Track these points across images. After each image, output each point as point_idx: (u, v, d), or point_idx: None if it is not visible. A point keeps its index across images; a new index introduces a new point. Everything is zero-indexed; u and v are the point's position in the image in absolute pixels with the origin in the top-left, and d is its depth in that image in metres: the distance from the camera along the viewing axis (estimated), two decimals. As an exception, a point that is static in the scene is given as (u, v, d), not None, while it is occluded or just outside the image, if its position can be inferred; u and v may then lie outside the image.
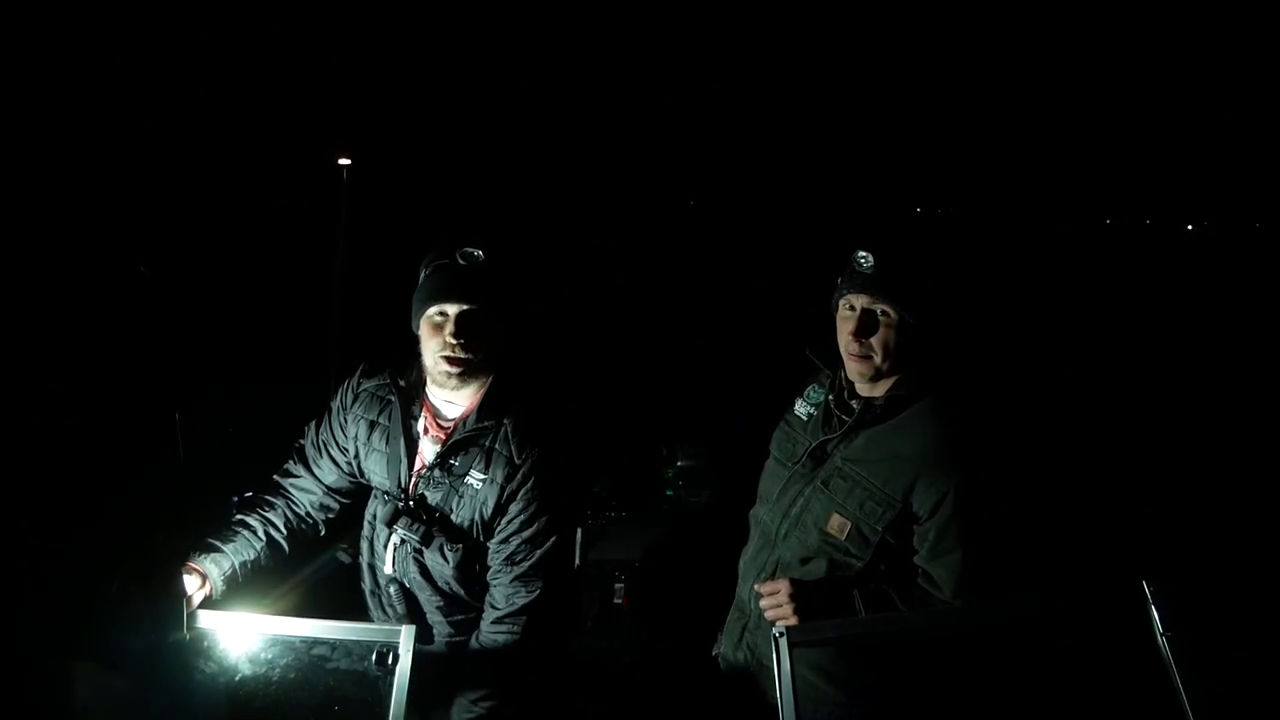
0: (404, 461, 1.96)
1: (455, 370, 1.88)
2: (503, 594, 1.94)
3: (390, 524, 1.94)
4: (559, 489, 1.98)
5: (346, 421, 2.05)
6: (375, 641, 1.57)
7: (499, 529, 1.94)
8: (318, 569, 2.47)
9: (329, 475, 2.08)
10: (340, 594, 2.39)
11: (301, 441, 2.12)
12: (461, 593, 1.98)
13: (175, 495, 1.85)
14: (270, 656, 1.67)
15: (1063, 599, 1.68)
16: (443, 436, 1.95)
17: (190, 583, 1.80)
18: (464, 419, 1.94)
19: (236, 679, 1.67)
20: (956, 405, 1.86)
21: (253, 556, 1.95)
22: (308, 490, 2.08)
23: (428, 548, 1.93)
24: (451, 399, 1.97)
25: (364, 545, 2.09)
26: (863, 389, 1.93)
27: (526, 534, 1.93)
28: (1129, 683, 1.63)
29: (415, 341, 1.96)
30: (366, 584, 2.09)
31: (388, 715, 1.46)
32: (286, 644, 1.67)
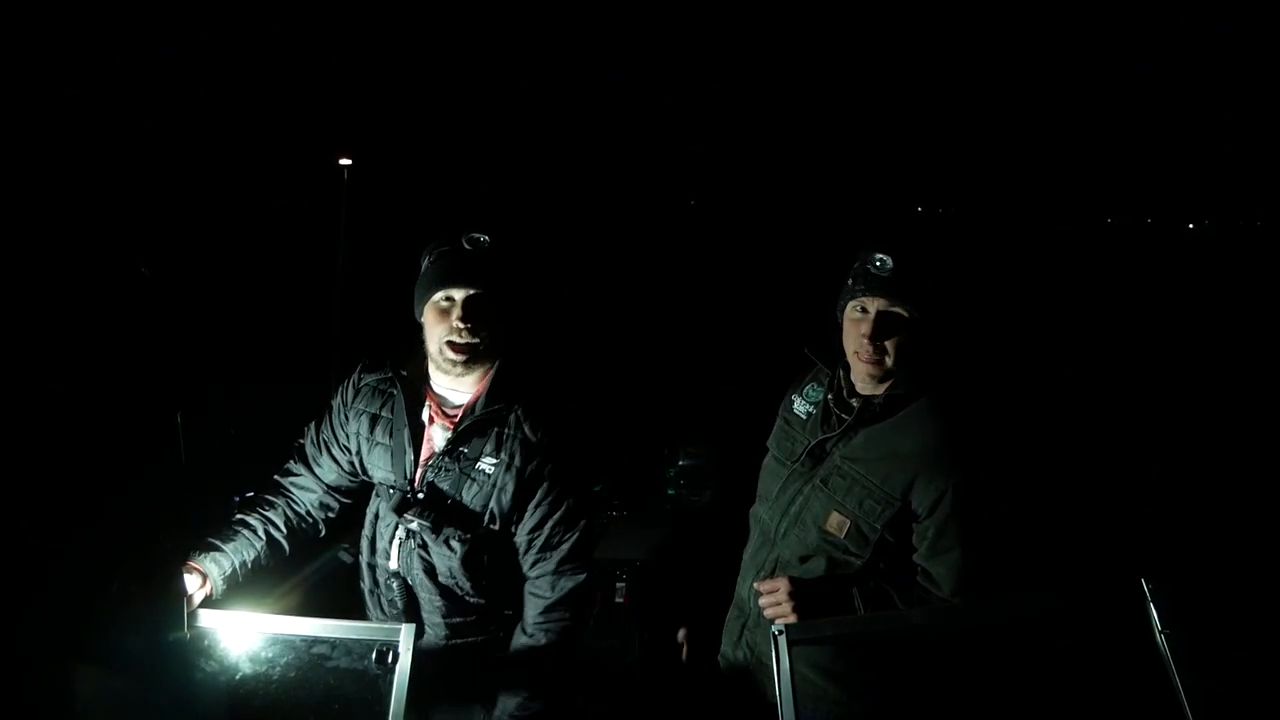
0: (408, 452, 1.94)
1: (462, 356, 1.87)
2: (548, 582, 1.93)
3: (400, 512, 1.91)
4: (580, 470, 1.99)
5: (348, 418, 2.04)
6: (375, 640, 1.57)
7: (528, 515, 1.92)
8: (318, 568, 2.48)
9: (329, 474, 2.07)
10: (340, 594, 2.39)
11: (302, 441, 2.12)
12: (467, 587, 1.95)
13: (175, 495, 1.85)
14: (270, 655, 1.67)
15: (1061, 597, 1.69)
16: (451, 424, 1.93)
17: (190, 582, 1.80)
18: (475, 403, 1.92)
19: (237, 678, 1.67)
20: (955, 404, 1.86)
21: (253, 556, 1.94)
22: (308, 489, 2.07)
23: (438, 536, 1.91)
24: (456, 386, 1.95)
25: (364, 544, 2.08)
26: (863, 388, 1.93)
27: (558, 515, 1.92)
28: (1128, 680, 1.64)
29: (416, 333, 1.96)
30: (366, 583, 2.08)
31: (387, 714, 1.46)
32: (286, 643, 1.67)
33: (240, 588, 1.92)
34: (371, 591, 2.07)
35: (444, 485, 1.92)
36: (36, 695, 1.36)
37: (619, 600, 3.00)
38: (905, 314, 1.81)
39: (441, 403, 1.97)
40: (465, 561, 1.93)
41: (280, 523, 2.01)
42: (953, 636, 1.78)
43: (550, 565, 1.94)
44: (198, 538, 1.92)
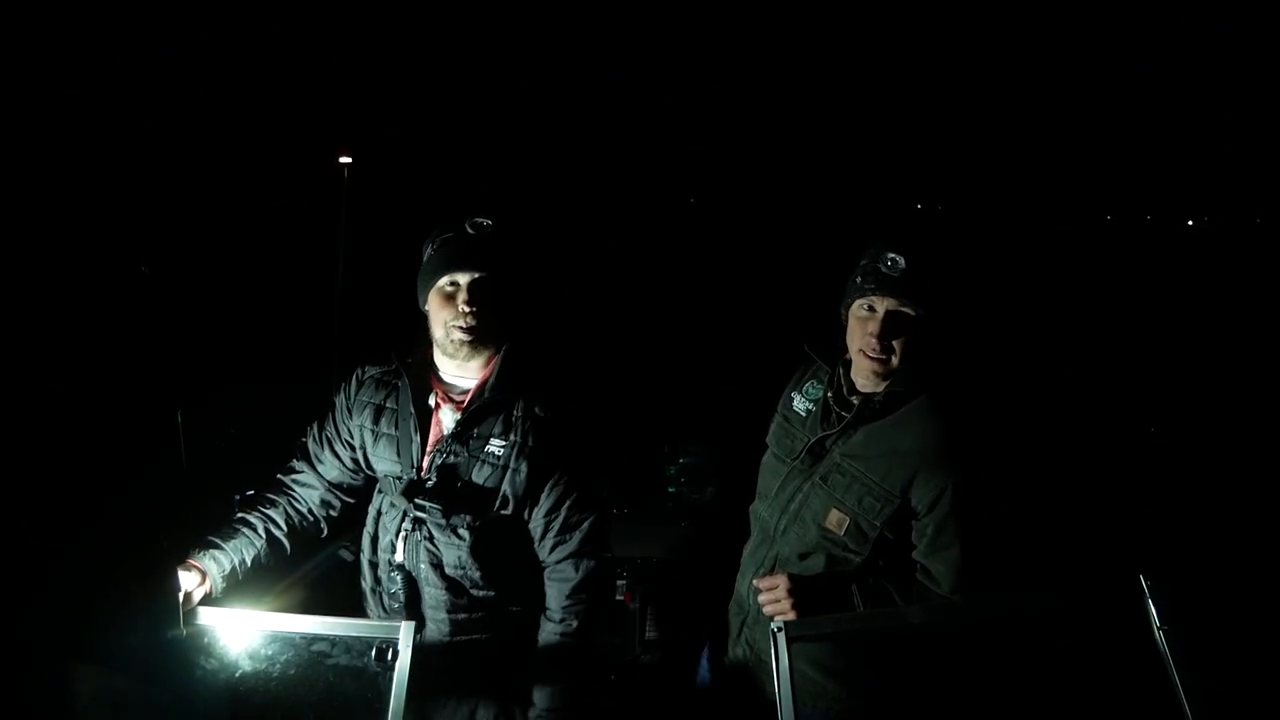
0: (415, 441, 1.93)
1: (468, 339, 1.88)
2: (571, 564, 1.93)
3: (410, 497, 1.90)
4: (593, 452, 2.00)
5: (351, 411, 2.03)
6: (375, 638, 1.57)
7: (544, 497, 1.92)
8: (318, 564, 2.47)
9: (332, 471, 2.07)
10: (340, 592, 2.39)
11: (304, 439, 2.11)
12: (475, 577, 1.93)
13: (175, 495, 1.85)
14: (270, 653, 1.68)
15: (1060, 593, 1.69)
16: (459, 407, 1.93)
17: (190, 580, 1.80)
18: (484, 385, 1.92)
19: (237, 675, 1.67)
20: (955, 402, 1.86)
21: (253, 554, 1.94)
22: (310, 487, 2.07)
23: (447, 522, 1.89)
24: (462, 372, 1.96)
25: (366, 541, 2.07)
26: (864, 385, 1.93)
27: (575, 496, 1.93)
28: (1126, 676, 1.64)
29: (420, 324, 1.96)
30: (367, 581, 2.07)
31: (387, 711, 1.47)
32: (286, 640, 1.68)
33: (240, 586, 1.92)
34: (373, 589, 2.06)
35: (454, 469, 1.91)
36: (36, 695, 1.36)
37: (619, 598, 3.00)
38: (913, 314, 1.81)
39: (448, 389, 1.96)
40: (474, 550, 1.92)
41: (281, 521, 2.00)
42: (952, 633, 1.79)
43: (572, 546, 1.93)
44: (198, 536, 1.92)
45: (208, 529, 1.95)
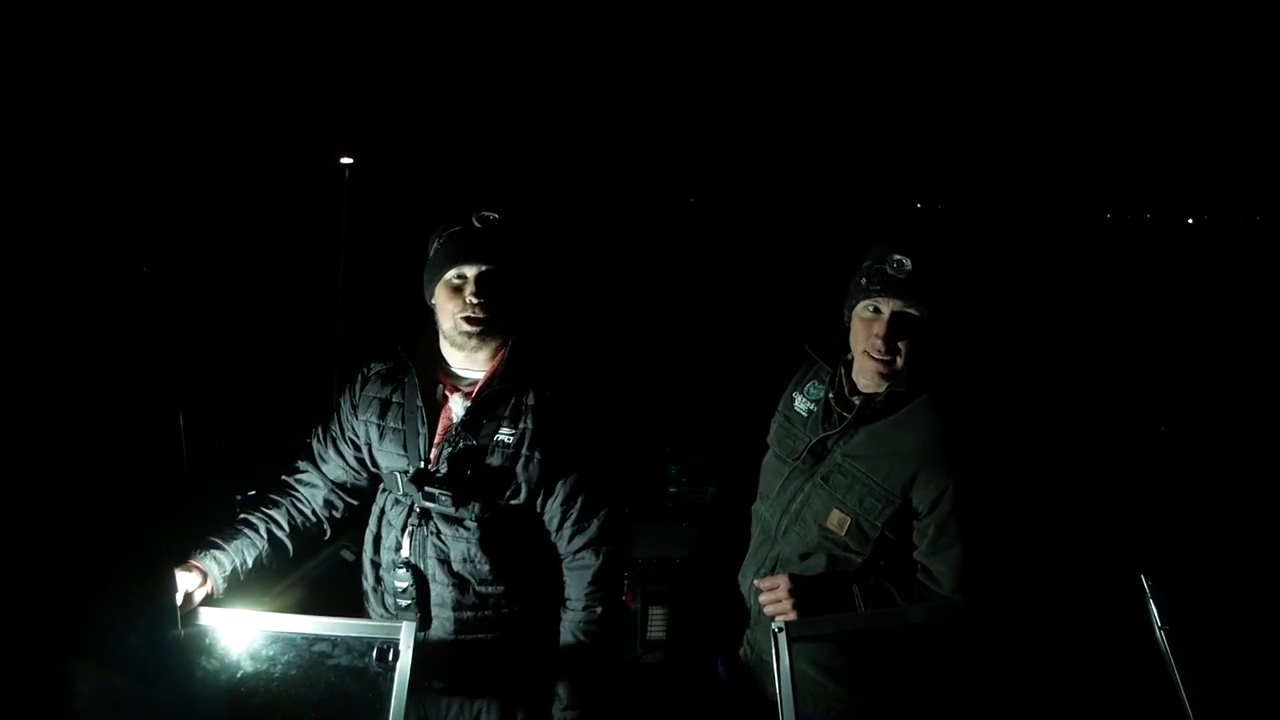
0: (422, 434, 1.93)
1: (475, 330, 1.88)
2: (591, 551, 1.94)
3: (419, 486, 1.90)
4: (603, 439, 2.01)
5: (357, 408, 2.03)
6: (376, 638, 1.57)
7: (559, 487, 1.93)
8: (319, 564, 2.47)
9: (336, 470, 2.06)
10: (341, 592, 2.39)
11: (310, 440, 2.11)
12: (484, 571, 1.92)
13: (176, 495, 1.85)
14: (271, 653, 1.68)
15: (1061, 593, 1.69)
16: (468, 396, 1.94)
17: (191, 580, 1.80)
18: (493, 375, 1.93)
19: (238, 676, 1.67)
20: (956, 402, 1.86)
21: (254, 555, 1.93)
22: (314, 487, 2.06)
23: (457, 511, 1.89)
24: (469, 364, 1.96)
25: (368, 541, 2.06)
26: (866, 386, 1.93)
27: (591, 484, 1.94)
28: (1127, 676, 1.64)
29: (426, 318, 1.97)
30: (369, 580, 2.06)
31: (388, 712, 1.47)
32: (287, 641, 1.68)
33: (242, 587, 1.91)
34: (374, 589, 2.05)
35: (464, 457, 1.90)
36: (37, 695, 1.36)
37: (621, 597, 3.00)
38: (918, 314, 1.80)
39: (456, 381, 1.97)
40: (483, 543, 1.91)
41: (283, 522, 2.00)
42: (953, 633, 1.79)
43: (592, 533, 1.94)
44: (199, 537, 1.92)
45: (209, 529, 1.95)
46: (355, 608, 2.12)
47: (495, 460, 1.90)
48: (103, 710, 1.46)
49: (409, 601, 1.94)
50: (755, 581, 1.94)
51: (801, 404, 2.03)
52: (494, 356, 1.95)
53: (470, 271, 1.88)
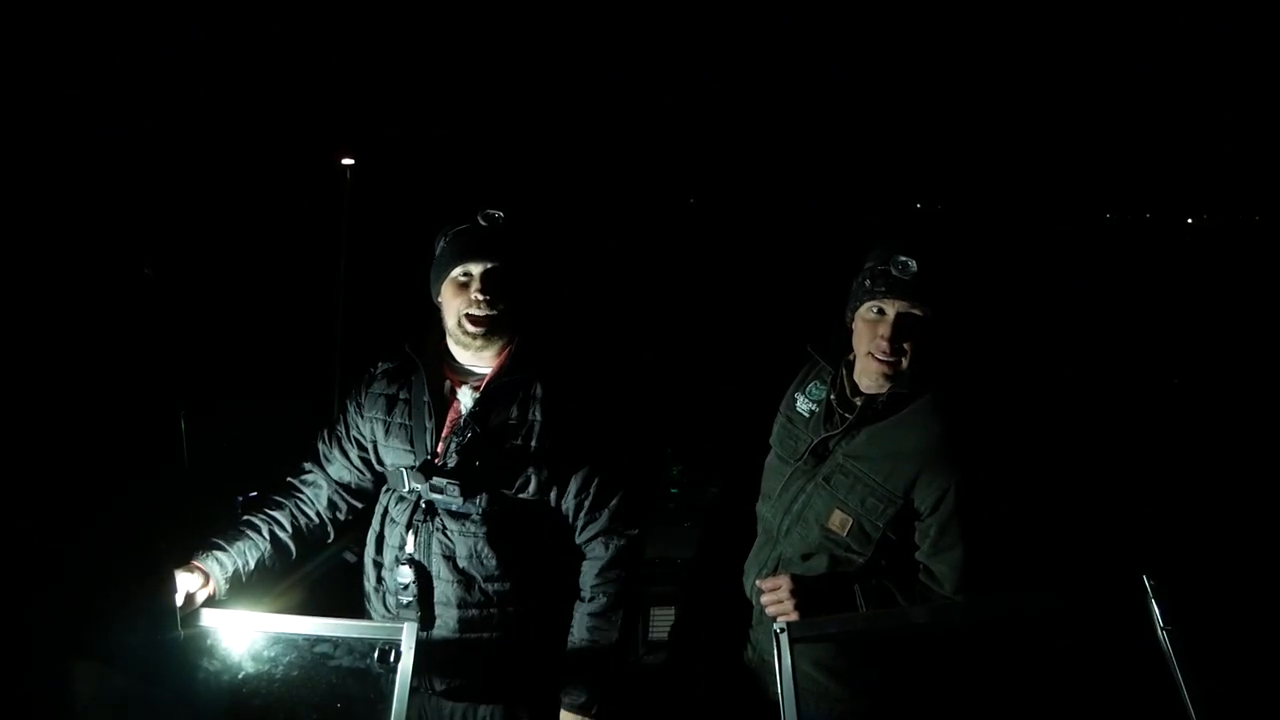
0: (429, 428, 1.93)
1: (481, 328, 1.89)
2: (601, 542, 1.94)
3: (427, 476, 1.89)
4: (614, 428, 2.01)
5: (363, 407, 2.03)
6: (377, 639, 1.57)
7: (572, 479, 1.93)
8: (320, 564, 2.47)
9: (340, 471, 2.06)
10: (342, 594, 2.39)
11: (315, 442, 2.11)
12: (491, 566, 1.91)
13: (177, 495, 1.85)
14: (273, 654, 1.68)
15: (1063, 594, 1.69)
16: (476, 389, 1.94)
17: (193, 581, 1.79)
18: (501, 367, 1.94)
19: (239, 677, 1.67)
20: (957, 402, 1.86)
21: (256, 557, 1.92)
22: (318, 488, 2.06)
23: (464, 503, 1.89)
24: (476, 361, 1.96)
25: (371, 541, 2.04)
26: (868, 387, 1.92)
27: (604, 474, 1.94)
28: (1130, 676, 1.64)
29: (432, 315, 1.97)
30: (370, 581, 2.05)
31: (389, 712, 1.47)
32: (289, 642, 1.68)
33: (244, 588, 1.91)
34: (376, 589, 2.04)
35: (472, 448, 1.90)
36: (37, 695, 1.36)
37: (634, 590, 3.00)
38: (923, 315, 1.80)
39: (464, 377, 1.97)
40: (490, 538, 1.91)
41: (286, 523, 1.99)
42: (954, 634, 1.79)
43: (602, 523, 1.95)
44: (201, 538, 1.92)
45: (211, 530, 1.94)
46: (357, 609, 2.11)
47: (505, 452, 1.90)
48: (103, 710, 1.47)
49: (411, 599, 1.93)
50: (757, 582, 1.94)
51: (803, 404, 2.03)
52: (501, 353, 1.96)
53: (476, 269, 1.89)
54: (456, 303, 1.90)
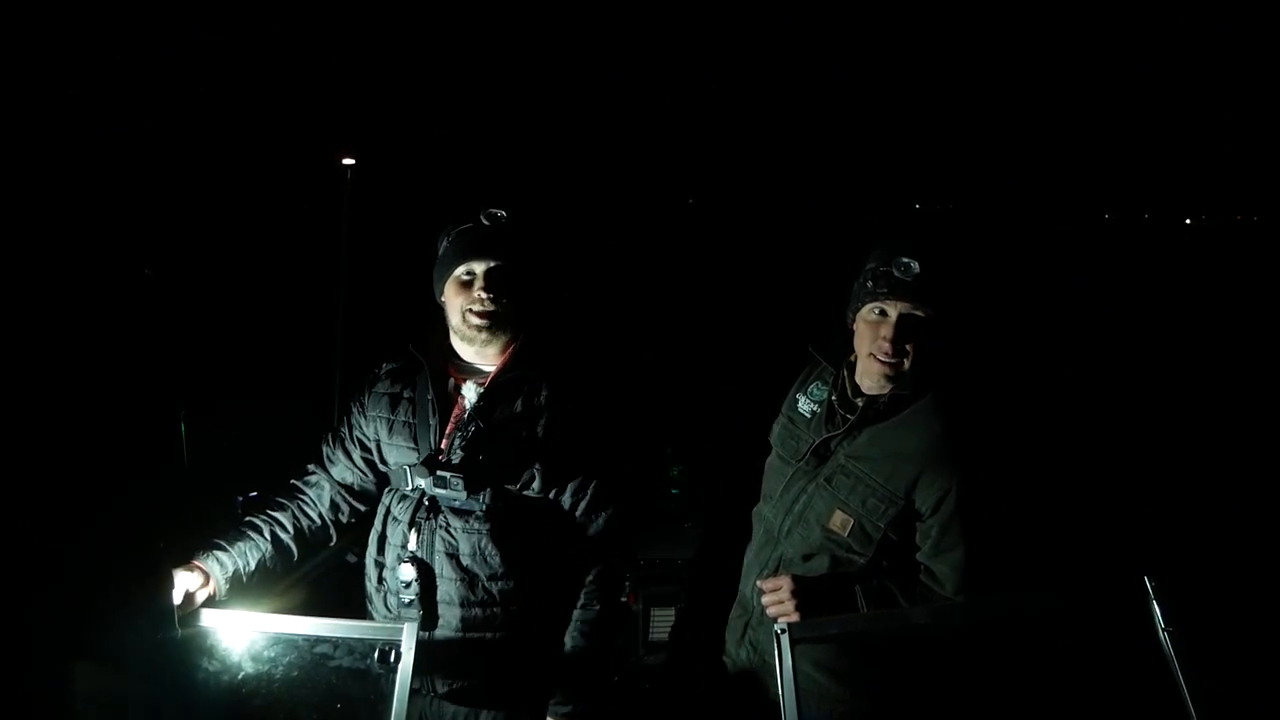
0: (433, 425, 1.93)
1: (484, 324, 1.89)
2: (593, 548, 1.95)
3: (431, 470, 1.89)
4: (615, 433, 2.02)
5: (367, 406, 2.03)
6: (377, 639, 1.56)
7: (573, 478, 1.94)
8: (321, 563, 2.46)
9: (343, 472, 2.05)
10: (343, 595, 2.38)
11: (321, 444, 2.10)
12: (495, 564, 1.90)
13: (176, 495, 1.85)
14: (273, 655, 1.67)
15: (1064, 595, 1.68)
16: (481, 384, 1.95)
17: (193, 581, 1.79)
18: (504, 365, 1.95)
19: (239, 677, 1.67)
20: (959, 403, 1.86)
21: (257, 558, 1.92)
22: (320, 489, 2.05)
23: (468, 498, 1.89)
24: (480, 359, 1.97)
25: (373, 541, 2.03)
26: (870, 387, 1.92)
27: (601, 476, 1.95)
28: (1131, 678, 1.64)
29: (436, 315, 1.97)
30: (371, 582, 2.04)
31: (390, 713, 1.46)
32: (289, 642, 1.67)
33: (245, 589, 1.90)
34: (377, 590, 2.03)
35: (476, 442, 1.90)
36: (37, 695, 1.36)
37: (623, 599, 3.00)
38: (925, 316, 1.80)
39: (469, 374, 1.98)
40: (494, 536, 1.90)
41: (288, 524, 1.98)
42: (955, 635, 1.78)
43: (599, 526, 1.96)
44: (202, 538, 1.91)
45: (211, 531, 1.94)
46: (358, 610, 2.11)
47: (508, 446, 1.91)
48: (101, 711, 1.46)
49: (413, 597, 1.92)
50: (758, 582, 1.94)
51: (805, 405, 2.03)
52: (505, 350, 1.97)
53: (479, 267, 1.90)
54: (460, 301, 1.91)
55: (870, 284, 1.84)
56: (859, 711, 1.89)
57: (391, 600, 1.98)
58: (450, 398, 1.97)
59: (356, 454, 2.04)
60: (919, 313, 1.80)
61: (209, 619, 1.70)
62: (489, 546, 1.91)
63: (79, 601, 1.40)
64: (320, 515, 2.04)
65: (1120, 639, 1.68)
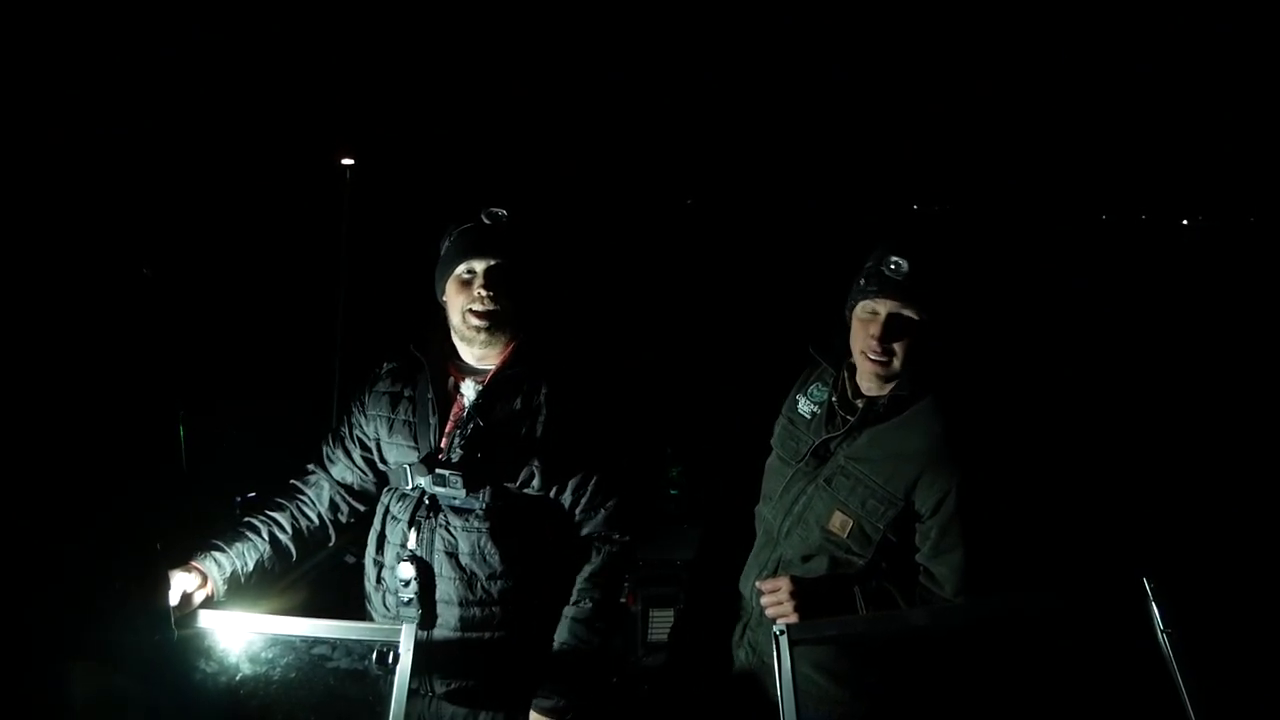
0: (433, 424, 1.94)
1: (484, 323, 1.90)
2: (594, 545, 1.96)
3: (430, 468, 1.90)
4: (615, 431, 2.02)
5: (367, 405, 2.03)
6: (376, 641, 1.57)
7: (572, 477, 1.94)
8: (320, 565, 2.46)
9: (343, 472, 2.06)
10: (341, 596, 2.38)
11: (322, 445, 2.11)
12: (495, 562, 1.91)
13: (174, 496, 1.84)
14: (270, 656, 1.67)
15: (1063, 596, 1.69)
16: (481, 382, 1.95)
17: (190, 582, 1.79)
18: (504, 363, 1.95)
19: (237, 678, 1.67)
20: (958, 404, 1.86)
21: (255, 558, 1.92)
22: (319, 488, 2.05)
23: (467, 495, 1.89)
24: (480, 359, 1.97)
25: (372, 540, 2.04)
26: (868, 388, 1.93)
27: (600, 475, 1.95)
28: (1130, 679, 1.64)
29: (437, 314, 1.98)
30: (370, 581, 2.05)
31: (388, 714, 1.46)
32: (287, 643, 1.67)
33: (243, 590, 1.90)
34: (376, 589, 2.03)
35: (475, 440, 1.91)
36: (36, 695, 1.36)
37: (622, 600, 3.00)
38: (915, 317, 1.80)
39: (469, 373, 1.98)
40: (494, 534, 1.90)
41: (286, 525, 1.98)
42: (955, 636, 1.78)
43: (597, 525, 1.96)
44: (200, 539, 1.91)
45: (209, 532, 1.94)
46: (356, 611, 2.11)
47: (508, 445, 1.91)
48: (97, 713, 1.46)
49: (412, 596, 1.92)
50: (757, 583, 1.94)
51: (805, 406, 2.03)
52: (505, 350, 1.97)
53: (479, 266, 1.91)
54: (460, 299, 1.92)
55: (863, 282, 1.86)
56: (858, 713, 1.90)
57: (390, 599, 1.98)
58: (450, 397, 1.97)
59: (357, 453, 2.04)
60: (908, 313, 1.81)
61: (206, 620, 1.70)
62: (488, 545, 1.91)
63: (77, 602, 1.40)
64: (319, 515, 2.04)
65: (1119, 640, 1.68)
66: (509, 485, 1.92)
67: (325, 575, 2.51)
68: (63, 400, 1.56)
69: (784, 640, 1.50)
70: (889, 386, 1.89)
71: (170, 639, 1.57)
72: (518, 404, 1.93)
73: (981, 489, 1.78)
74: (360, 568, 2.12)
